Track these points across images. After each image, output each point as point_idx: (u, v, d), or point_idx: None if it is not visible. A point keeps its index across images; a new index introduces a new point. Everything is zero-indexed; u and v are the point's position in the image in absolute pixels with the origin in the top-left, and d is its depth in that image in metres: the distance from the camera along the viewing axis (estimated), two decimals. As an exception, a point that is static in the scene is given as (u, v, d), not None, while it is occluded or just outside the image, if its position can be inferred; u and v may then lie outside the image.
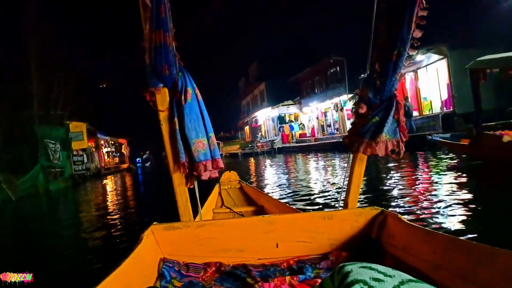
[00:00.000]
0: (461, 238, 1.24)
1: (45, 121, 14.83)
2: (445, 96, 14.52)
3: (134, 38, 1.60)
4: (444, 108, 14.37)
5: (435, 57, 14.30)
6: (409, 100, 16.01)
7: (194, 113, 1.67)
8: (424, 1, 1.47)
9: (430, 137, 8.08)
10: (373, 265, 0.68)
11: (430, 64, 14.91)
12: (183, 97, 1.63)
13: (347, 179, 1.76)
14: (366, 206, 1.66)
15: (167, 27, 1.54)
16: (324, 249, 1.59)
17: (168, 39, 1.54)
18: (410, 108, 14.37)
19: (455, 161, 7.43)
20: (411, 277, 0.66)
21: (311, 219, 1.63)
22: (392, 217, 1.50)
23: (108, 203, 8.50)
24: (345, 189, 1.78)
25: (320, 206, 4.56)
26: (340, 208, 1.76)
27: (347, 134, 1.78)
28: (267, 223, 1.59)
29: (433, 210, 3.65)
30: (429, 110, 15.66)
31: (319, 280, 1.23)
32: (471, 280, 1.01)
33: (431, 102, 15.51)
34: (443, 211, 3.55)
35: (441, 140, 7.39)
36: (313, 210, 4.24)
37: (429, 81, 15.33)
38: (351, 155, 1.73)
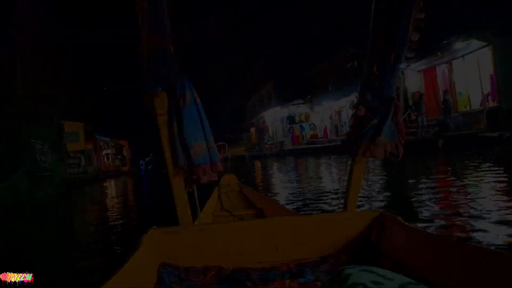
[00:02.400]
0: (462, 241, 1.17)
1: (32, 119, 13.11)
2: (487, 89, 12.72)
3: (137, 40, 1.46)
4: (487, 103, 12.57)
5: (475, 44, 12.50)
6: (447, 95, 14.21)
7: (192, 117, 1.59)
8: (421, 4, 1.46)
9: (508, 134, 6.34)
10: (373, 268, 0.68)
11: (468, 53, 13.12)
12: (181, 101, 1.56)
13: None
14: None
15: (166, 31, 1.49)
16: (324, 252, 1.56)
17: (167, 43, 1.50)
18: (450, 103, 12.64)
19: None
20: (411, 280, 0.66)
21: (310, 222, 1.65)
22: (392, 220, 1.47)
23: (103, 212, 7.34)
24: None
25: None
26: (339, 211, 1.77)
27: (345, 137, 1.76)
28: (266, 226, 1.59)
29: None
30: (465, 107, 13.89)
31: (319, 283, 1.25)
32: (471, 284, 0.99)
33: (468, 97, 13.71)
34: None
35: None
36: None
37: (466, 73, 13.53)
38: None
